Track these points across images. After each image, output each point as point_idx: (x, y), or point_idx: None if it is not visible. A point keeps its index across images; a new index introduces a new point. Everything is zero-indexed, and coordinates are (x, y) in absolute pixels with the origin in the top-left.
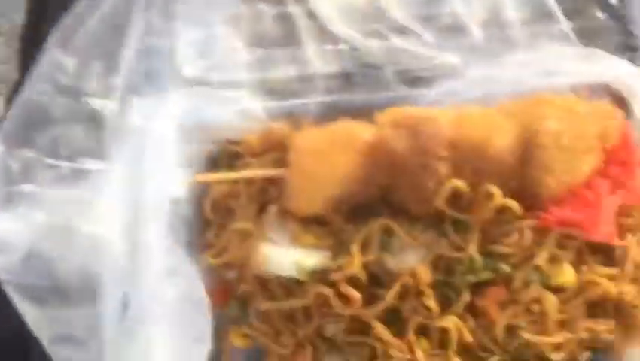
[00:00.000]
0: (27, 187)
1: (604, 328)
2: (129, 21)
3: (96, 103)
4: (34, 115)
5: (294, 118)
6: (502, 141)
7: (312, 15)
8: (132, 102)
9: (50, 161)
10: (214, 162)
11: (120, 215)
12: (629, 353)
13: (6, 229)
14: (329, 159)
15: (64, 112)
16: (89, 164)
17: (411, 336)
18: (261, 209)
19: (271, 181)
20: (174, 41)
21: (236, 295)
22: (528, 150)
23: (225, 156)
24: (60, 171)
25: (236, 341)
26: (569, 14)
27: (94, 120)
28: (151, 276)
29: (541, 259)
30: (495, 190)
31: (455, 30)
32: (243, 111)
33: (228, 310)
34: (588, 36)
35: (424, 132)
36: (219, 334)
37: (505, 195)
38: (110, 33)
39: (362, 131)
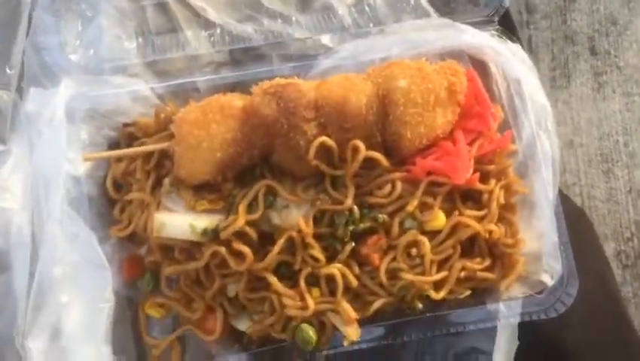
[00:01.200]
0: None
1: (479, 266)
2: (18, 18)
3: None
4: None
5: (184, 97)
6: (359, 99)
7: (187, 5)
8: (27, 92)
9: None
10: (117, 145)
11: (21, 191)
12: (507, 287)
13: None
14: (207, 127)
15: None
16: None
17: (302, 285)
18: (158, 182)
19: (167, 157)
20: (61, 35)
21: (147, 267)
22: (384, 106)
23: (122, 138)
24: None
25: (152, 312)
26: None
27: None
28: (54, 243)
29: (412, 206)
30: (360, 144)
31: (326, 13)
32: (134, 94)
33: (142, 283)
34: (442, 7)
35: (288, 96)
36: (135, 307)
37: (373, 149)
38: (0, 28)
39: (235, 100)
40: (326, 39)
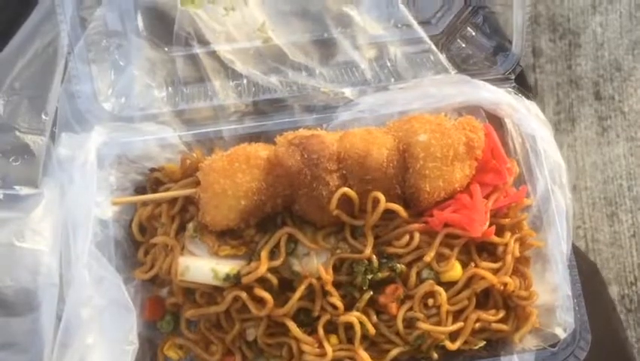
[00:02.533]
0: None
1: (493, 318)
2: (54, 67)
3: (27, 138)
4: None
5: (209, 146)
6: (380, 152)
7: (214, 55)
8: (60, 137)
9: None
10: (143, 190)
11: (51, 234)
12: (521, 339)
13: None
14: (233, 175)
15: None
16: (24, 190)
17: (320, 332)
18: (182, 227)
19: (191, 202)
20: (94, 84)
21: (168, 309)
22: (404, 160)
23: (149, 182)
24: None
25: (170, 353)
26: (440, 45)
27: (26, 152)
28: (81, 285)
29: (430, 256)
30: (380, 196)
31: (348, 66)
32: (162, 142)
33: (162, 324)
34: (460, 64)
35: (311, 148)
36: (154, 348)
37: (392, 201)
38: (37, 76)
39: (260, 150)
40: (347, 92)
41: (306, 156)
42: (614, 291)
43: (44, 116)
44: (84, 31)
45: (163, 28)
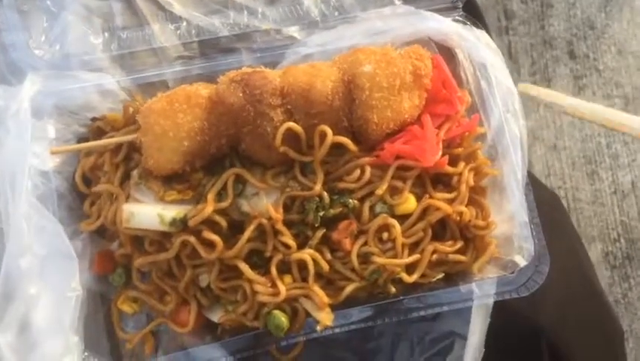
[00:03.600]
0: None
1: (450, 248)
2: None
3: None
4: None
5: (151, 92)
6: (324, 85)
7: (153, 0)
8: None
9: None
10: (86, 140)
11: None
12: (480, 269)
13: None
14: (173, 116)
15: None
16: None
17: (273, 272)
18: (126, 175)
19: (135, 149)
20: (27, 32)
21: (119, 262)
22: (349, 92)
23: (91, 133)
24: None
25: (125, 307)
26: None
27: None
28: (20, 236)
29: (382, 190)
30: (327, 129)
31: (293, 5)
32: (101, 89)
33: (114, 277)
34: None
35: (253, 84)
36: (108, 303)
37: (340, 135)
38: None
39: (201, 89)
40: (293, 31)
41: (248, 92)
42: (597, 248)
43: None
44: None
45: None
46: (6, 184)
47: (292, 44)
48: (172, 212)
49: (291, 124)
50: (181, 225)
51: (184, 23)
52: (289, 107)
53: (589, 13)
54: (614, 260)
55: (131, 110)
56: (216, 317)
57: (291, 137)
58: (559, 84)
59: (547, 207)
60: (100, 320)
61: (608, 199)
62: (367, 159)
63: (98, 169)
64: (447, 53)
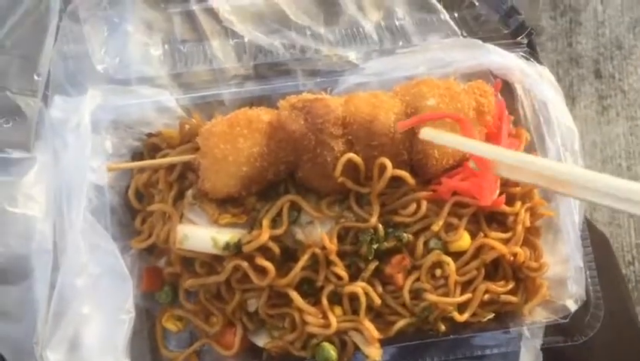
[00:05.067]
0: None
1: (502, 289)
2: (46, 25)
3: (19, 99)
4: None
5: (208, 110)
6: (387, 117)
7: (213, 14)
8: (53, 100)
9: None
10: (140, 155)
11: (44, 199)
12: (530, 311)
13: None
14: (234, 140)
15: None
16: (15, 154)
17: (325, 303)
18: (180, 194)
19: (189, 168)
20: (88, 43)
21: (166, 280)
22: (416, 125)
23: (146, 148)
24: None
25: (169, 325)
26: (450, 7)
27: (17, 114)
28: (76, 253)
29: (438, 226)
30: (387, 162)
31: (352, 29)
32: (159, 105)
33: (160, 295)
34: (469, 25)
35: (316, 112)
36: (153, 320)
37: (399, 168)
38: (29, 34)
39: (262, 114)
40: (352, 56)
41: (309, 120)
42: None
43: (36, 77)
44: None
45: None
46: (63, 199)
47: (350, 69)
48: (226, 236)
49: (352, 155)
50: (235, 249)
51: (244, 42)
52: (350, 137)
53: (618, 32)
54: (627, 283)
55: (187, 127)
56: (261, 341)
57: (349, 167)
58: (583, 103)
59: (596, 248)
60: (144, 337)
61: (624, 221)
62: (423, 194)
63: (151, 186)
64: (506, 88)
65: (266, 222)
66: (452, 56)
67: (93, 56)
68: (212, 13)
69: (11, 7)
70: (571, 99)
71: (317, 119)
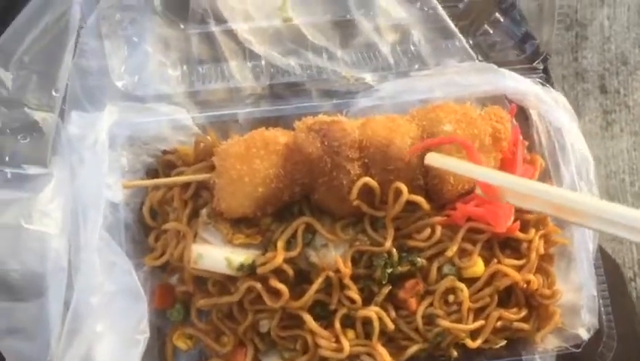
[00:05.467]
0: None
1: (515, 316)
2: (65, 41)
3: (37, 115)
4: None
5: (224, 129)
6: (403, 141)
7: (231, 34)
8: (70, 115)
9: None
10: (155, 172)
11: (60, 216)
12: (542, 339)
13: None
14: (250, 161)
15: (5, 122)
16: (32, 169)
17: (337, 326)
18: (195, 213)
19: (204, 186)
20: (106, 60)
21: (178, 298)
22: (428, 150)
23: (161, 165)
24: (5, 175)
25: (179, 343)
26: (466, 32)
27: (35, 130)
28: (91, 271)
29: (452, 251)
30: (403, 187)
31: (368, 50)
32: (175, 123)
33: (172, 313)
34: (484, 51)
35: (332, 135)
36: (163, 337)
37: (415, 192)
38: (48, 50)
39: (279, 136)
40: (367, 77)
41: (326, 143)
42: None
43: (54, 93)
44: (97, 5)
45: (179, 3)
46: (78, 215)
47: (365, 91)
48: (240, 257)
49: (368, 180)
50: (249, 270)
51: (262, 62)
52: (366, 160)
53: (624, 48)
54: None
55: (202, 145)
56: None
57: (364, 190)
58: (588, 117)
59: (608, 275)
60: (155, 355)
61: None
62: (437, 219)
63: (166, 203)
64: (521, 113)
65: (280, 244)
66: (467, 80)
67: (112, 72)
68: (230, 34)
69: (30, 23)
70: (576, 113)
71: (333, 142)
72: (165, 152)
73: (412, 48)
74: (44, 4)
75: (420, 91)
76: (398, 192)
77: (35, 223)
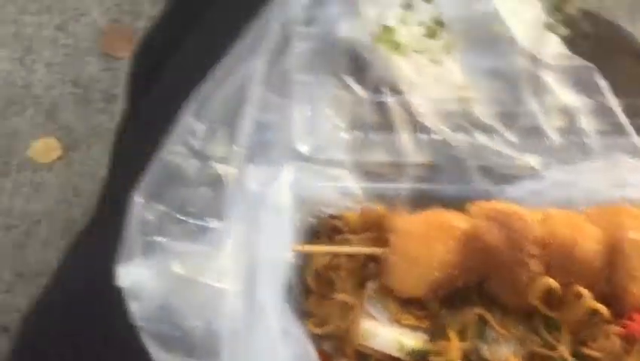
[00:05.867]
0: (160, 239)
1: None
2: (245, 94)
3: (220, 168)
4: (168, 173)
5: (388, 201)
6: (588, 244)
7: (405, 106)
8: (249, 170)
9: (180, 216)
10: (316, 234)
11: (237, 273)
12: None
13: (143, 278)
14: (428, 244)
15: (194, 173)
16: (213, 222)
17: None
18: (360, 284)
19: (371, 258)
20: (286, 117)
21: None
22: (612, 256)
23: (325, 228)
24: (188, 226)
25: None
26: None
27: (217, 183)
28: (266, 336)
29: None
30: (585, 292)
31: (534, 132)
32: (343, 189)
33: None
34: None
35: (516, 228)
36: None
37: (595, 298)
38: (234, 104)
39: (458, 220)
40: (532, 160)
41: (506, 235)
42: None
43: (235, 147)
44: (280, 61)
45: (357, 69)
46: (253, 276)
47: (528, 174)
48: (412, 341)
49: (551, 281)
50: (419, 357)
51: (431, 136)
52: (547, 258)
53: None
54: None
55: (370, 216)
56: None
57: (542, 288)
58: None
59: None
60: None
61: None
62: (615, 328)
63: (331, 269)
64: None
65: (454, 335)
66: (638, 179)
67: (290, 131)
68: (405, 105)
69: (223, 78)
70: None
71: (514, 235)
72: (332, 216)
73: (582, 138)
74: (235, 62)
75: (590, 187)
76: (579, 296)
77: (211, 278)
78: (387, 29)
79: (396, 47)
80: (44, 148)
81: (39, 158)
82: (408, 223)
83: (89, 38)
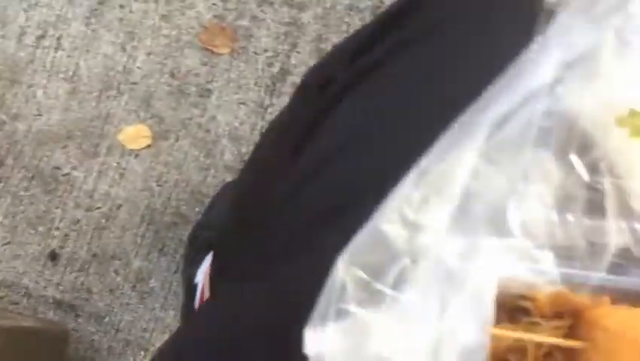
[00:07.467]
0: (354, 308)
1: None
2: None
3: (425, 237)
4: (375, 241)
5: (587, 289)
6: None
7: (620, 190)
8: (450, 241)
9: (378, 286)
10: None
11: (424, 349)
12: None
13: (334, 348)
14: (627, 349)
15: (401, 243)
16: (407, 295)
17: None
18: None
19: (557, 346)
20: (495, 190)
21: None
22: None
23: (508, 307)
24: (382, 297)
25: None
26: None
27: (421, 253)
28: None
29: None
30: None
31: None
32: (540, 270)
33: None
34: None
35: None
36: None
37: None
38: (451, 175)
39: None
40: None
41: None
42: None
43: (439, 217)
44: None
45: (580, 147)
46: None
47: None
48: None
49: None
50: None
51: (634, 224)
52: None
53: None
54: None
55: (562, 302)
56: None
57: None
58: None
59: None
60: None
61: None
62: None
63: (511, 351)
64: None
65: None
66: None
67: (498, 205)
68: (619, 190)
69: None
70: None
71: None
72: (523, 296)
73: None
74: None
75: None
76: None
77: (398, 355)
78: (635, 113)
79: (638, 132)
80: (135, 134)
81: (129, 144)
82: (621, 323)
83: (191, 32)
